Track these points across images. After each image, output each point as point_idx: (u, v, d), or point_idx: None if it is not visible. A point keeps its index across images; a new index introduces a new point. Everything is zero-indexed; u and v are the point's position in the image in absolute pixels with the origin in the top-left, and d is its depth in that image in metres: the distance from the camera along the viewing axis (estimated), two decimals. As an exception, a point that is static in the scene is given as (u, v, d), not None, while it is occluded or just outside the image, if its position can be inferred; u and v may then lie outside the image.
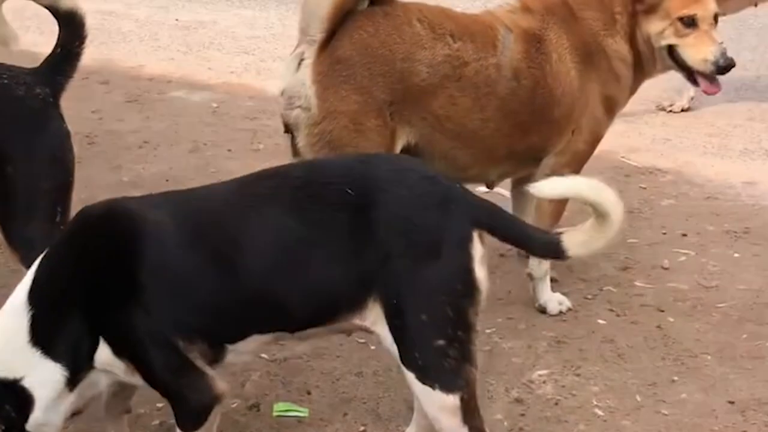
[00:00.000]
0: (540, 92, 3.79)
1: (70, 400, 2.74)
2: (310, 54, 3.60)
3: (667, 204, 5.02)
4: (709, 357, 3.71)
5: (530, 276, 4.00)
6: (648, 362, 3.68)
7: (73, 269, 2.68)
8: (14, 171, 3.13)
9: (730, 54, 3.92)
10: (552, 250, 2.69)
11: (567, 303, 3.99)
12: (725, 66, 3.87)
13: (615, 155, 5.48)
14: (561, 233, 2.68)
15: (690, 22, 3.84)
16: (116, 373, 2.72)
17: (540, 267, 3.96)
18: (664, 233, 4.70)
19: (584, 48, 3.86)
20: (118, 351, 2.67)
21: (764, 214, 4.90)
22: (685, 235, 4.68)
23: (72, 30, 3.33)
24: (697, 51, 3.86)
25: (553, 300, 4.00)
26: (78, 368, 2.69)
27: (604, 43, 3.88)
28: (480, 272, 2.61)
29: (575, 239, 2.66)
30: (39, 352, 2.65)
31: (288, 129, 3.71)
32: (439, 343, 2.59)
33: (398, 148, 3.66)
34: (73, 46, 3.34)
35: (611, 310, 4.02)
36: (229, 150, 5.65)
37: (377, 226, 2.59)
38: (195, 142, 5.75)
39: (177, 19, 8.25)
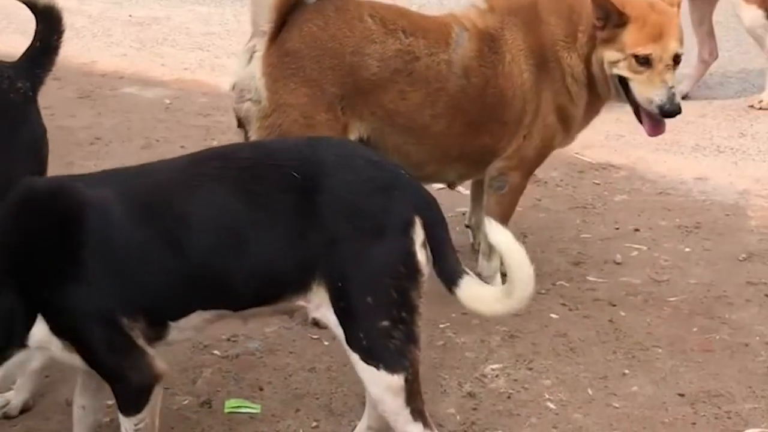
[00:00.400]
0: (491, 91, 3.78)
1: None
2: (260, 46, 3.60)
3: (620, 199, 5.06)
4: (660, 350, 3.74)
5: (479, 275, 4.00)
6: (600, 356, 3.70)
7: (11, 243, 2.65)
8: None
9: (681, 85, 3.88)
10: (447, 279, 2.70)
11: None
12: (670, 111, 3.80)
13: (569, 151, 5.48)
14: (467, 275, 2.71)
15: (644, 61, 3.75)
16: (52, 352, 2.69)
17: (489, 265, 3.97)
18: (617, 228, 4.73)
19: (540, 52, 3.84)
20: (56, 329, 2.64)
21: (715, 210, 4.95)
22: (637, 230, 4.72)
23: (50, 24, 3.34)
24: (645, 90, 3.79)
25: None
26: (8, 343, 2.65)
27: (560, 55, 3.85)
28: (421, 256, 2.66)
29: (473, 289, 2.70)
30: None
31: (240, 123, 3.70)
32: (383, 324, 2.63)
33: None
34: (51, 40, 3.34)
35: (564, 305, 4.03)
36: (183, 146, 5.58)
37: (322, 210, 2.62)
38: (148, 138, 5.70)
39: (130, 15, 8.17)
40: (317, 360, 3.63)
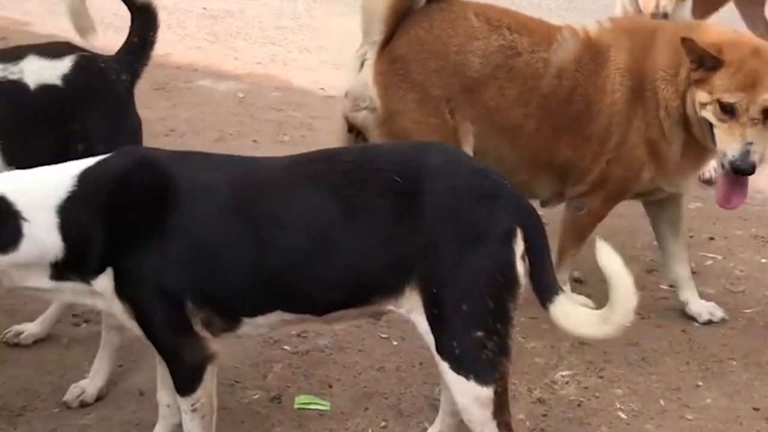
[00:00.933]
0: (577, 98, 3.71)
1: (44, 284, 2.71)
2: (371, 54, 3.64)
3: (695, 207, 4.97)
4: (734, 363, 3.68)
5: None
6: (672, 366, 3.65)
7: (112, 192, 2.67)
8: (104, 152, 3.18)
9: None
10: (542, 293, 2.68)
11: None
12: (740, 169, 3.54)
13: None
14: (562, 291, 2.69)
15: (728, 109, 3.50)
16: (113, 310, 2.72)
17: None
18: (691, 236, 4.66)
19: (639, 78, 3.69)
20: (121, 289, 2.66)
21: (792, 220, 4.87)
22: (712, 239, 4.65)
23: (147, 20, 3.46)
24: (723, 140, 3.53)
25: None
26: (74, 268, 2.68)
27: (658, 84, 3.67)
28: (520, 267, 2.62)
29: (567, 308, 2.67)
30: (56, 221, 2.64)
31: (352, 129, 3.72)
32: (477, 334, 2.59)
33: (467, 148, 3.64)
34: (148, 35, 3.46)
35: (636, 313, 3.88)
36: (255, 141, 5.65)
37: (423, 215, 2.60)
38: (221, 131, 5.75)
39: (204, 8, 8.25)
40: (386, 360, 3.63)
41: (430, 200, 2.60)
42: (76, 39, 3.63)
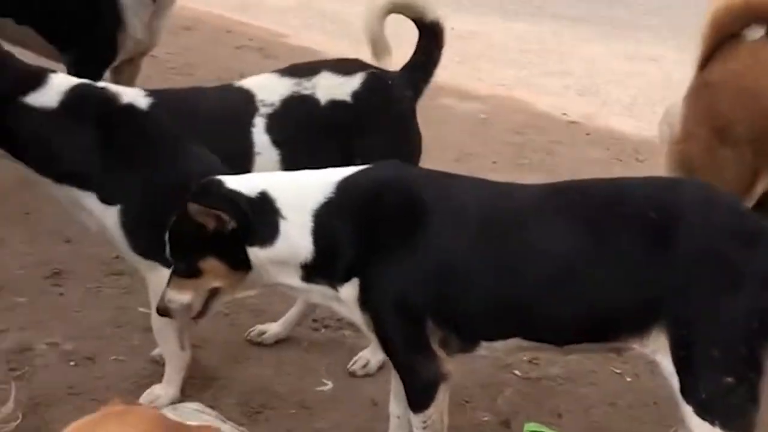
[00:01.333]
0: None
1: (295, 283, 2.80)
2: (690, 73, 3.55)
3: None
4: None
5: None
6: None
7: (369, 203, 2.74)
8: None
9: None
10: None
11: None
12: None
13: None
14: None
15: None
16: (355, 319, 2.78)
17: None
18: None
19: None
20: (364, 300, 2.71)
21: None
22: None
23: (434, 38, 3.53)
24: None
25: None
26: (325, 272, 2.75)
27: None
28: None
29: None
30: (311, 224, 2.72)
31: None
32: (727, 380, 2.51)
33: (759, 188, 3.46)
34: (434, 52, 3.53)
35: None
36: (494, 162, 5.66)
37: (678, 253, 2.53)
38: (461, 151, 5.79)
39: (452, 28, 8.33)
40: (619, 396, 3.56)
41: (686, 239, 2.53)
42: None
